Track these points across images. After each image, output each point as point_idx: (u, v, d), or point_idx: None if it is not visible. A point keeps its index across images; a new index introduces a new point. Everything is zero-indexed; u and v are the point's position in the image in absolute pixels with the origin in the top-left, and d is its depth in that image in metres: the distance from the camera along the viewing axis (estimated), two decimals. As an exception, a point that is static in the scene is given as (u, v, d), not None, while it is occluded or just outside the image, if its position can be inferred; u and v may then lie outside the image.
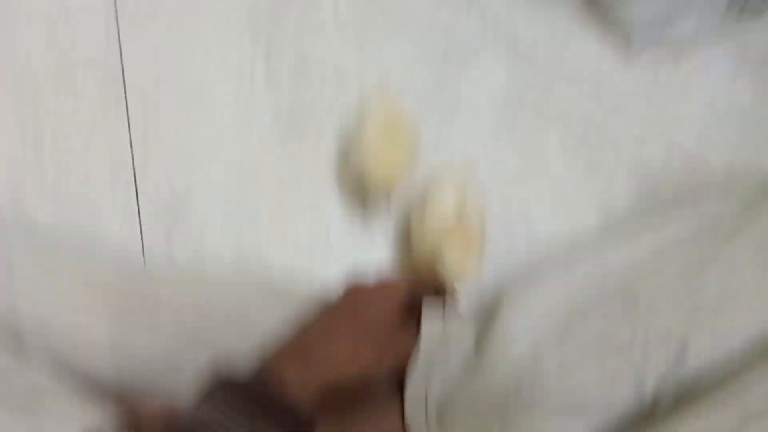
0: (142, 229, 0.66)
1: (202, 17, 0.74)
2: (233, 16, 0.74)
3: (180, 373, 0.49)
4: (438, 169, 0.66)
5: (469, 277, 0.61)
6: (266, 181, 0.69)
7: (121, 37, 0.72)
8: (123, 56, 0.72)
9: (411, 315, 0.52)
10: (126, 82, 0.71)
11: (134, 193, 0.67)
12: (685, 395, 0.46)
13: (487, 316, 0.56)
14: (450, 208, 0.61)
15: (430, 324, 0.54)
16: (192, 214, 0.67)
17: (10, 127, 0.68)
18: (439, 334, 0.53)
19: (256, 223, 0.68)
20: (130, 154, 0.68)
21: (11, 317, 0.47)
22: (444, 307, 0.55)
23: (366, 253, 0.67)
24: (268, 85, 0.72)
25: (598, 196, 0.71)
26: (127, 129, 0.69)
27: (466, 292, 0.61)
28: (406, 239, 0.65)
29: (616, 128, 0.74)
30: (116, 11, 0.73)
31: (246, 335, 0.54)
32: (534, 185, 0.72)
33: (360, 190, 0.67)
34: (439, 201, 0.61)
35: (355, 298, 0.50)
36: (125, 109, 0.70)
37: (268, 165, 0.70)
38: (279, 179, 0.69)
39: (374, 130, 0.63)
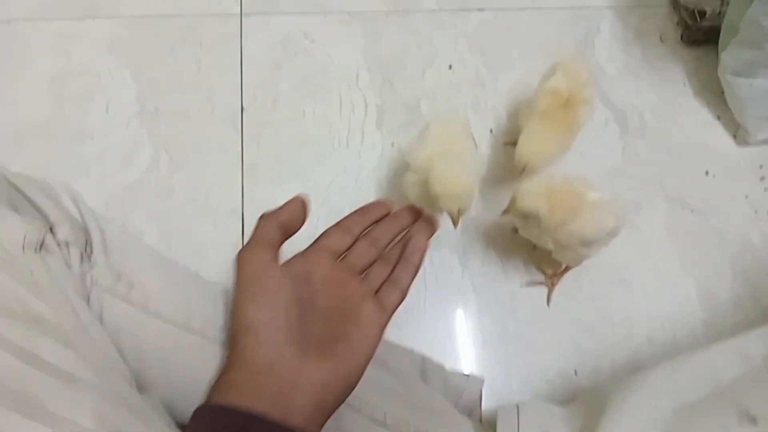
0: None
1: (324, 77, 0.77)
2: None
3: None
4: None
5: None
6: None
7: (243, 89, 0.75)
8: (243, 106, 0.74)
9: None
10: (244, 128, 0.73)
11: (241, 236, 0.68)
12: None
13: (588, 417, 0.54)
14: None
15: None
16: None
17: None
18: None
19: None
20: (241, 199, 0.69)
21: None
22: None
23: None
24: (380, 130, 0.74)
25: (700, 280, 0.70)
26: (240, 173, 0.70)
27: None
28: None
29: (724, 207, 0.73)
30: (242, 66, 0.76)
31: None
32: (633, 257, 0.71)
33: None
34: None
35: None
36: (240, 155, 0.71)
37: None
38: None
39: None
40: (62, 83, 0.74)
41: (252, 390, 0.41)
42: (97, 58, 0.75)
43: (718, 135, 0.77)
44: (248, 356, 0.42)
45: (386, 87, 0.76)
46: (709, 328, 0.69)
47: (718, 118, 0.77)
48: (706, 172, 0.75)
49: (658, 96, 0.78)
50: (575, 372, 0.66)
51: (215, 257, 0.66)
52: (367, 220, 0.55)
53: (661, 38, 0.81)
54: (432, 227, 0.56)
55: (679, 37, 0.80)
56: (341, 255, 0.54)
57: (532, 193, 0.57)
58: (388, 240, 0.55)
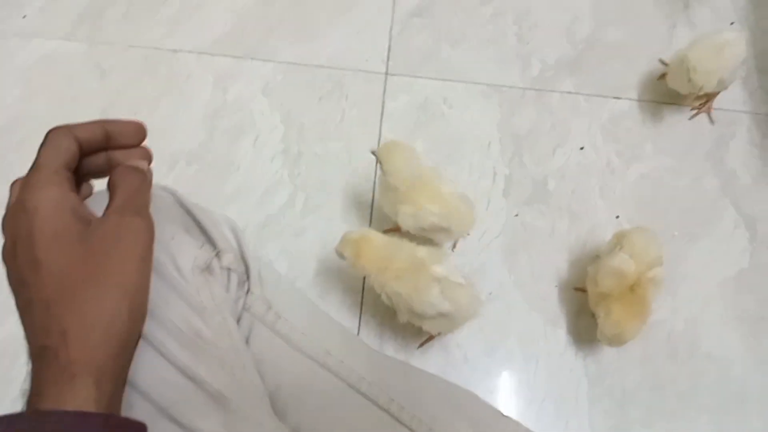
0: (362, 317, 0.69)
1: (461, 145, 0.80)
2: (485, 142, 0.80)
3: None
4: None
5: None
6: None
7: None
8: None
9: None
10: (377, 181, 0.76)
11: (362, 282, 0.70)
12: None
13: None
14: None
15: None
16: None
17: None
18: None
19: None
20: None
21: None
22: None
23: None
24: (506, 199, 0.76)
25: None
26: (368, 224, 0.73)
27: None
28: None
29: None
30: (381, 122, 0.80)
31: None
32: (753, 371, 0.68)
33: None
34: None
35: None
36: (370, 207, 0.74)
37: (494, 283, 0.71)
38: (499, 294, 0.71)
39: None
40: (217, 116, 0.80)
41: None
42: (252, 98, 0.81)
43: None
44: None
45: (516, 160, 0.78)
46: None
47: None
48: (839, 294, 0.72)
49: (792, 208, 0.76)
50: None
51: (337, 298, 0.69)
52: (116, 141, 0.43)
53: (800, 150, 0.80)
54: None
55: (820, 152, 0.79)
56: None
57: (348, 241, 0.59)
58: None
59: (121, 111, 0.80)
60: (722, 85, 0.77)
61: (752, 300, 0.71)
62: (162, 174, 0.76)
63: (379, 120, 0.80)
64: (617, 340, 0.62)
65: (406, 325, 0.68)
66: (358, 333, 0.67)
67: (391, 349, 0.67)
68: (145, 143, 0.44)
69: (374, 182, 0.76)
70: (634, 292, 0.61)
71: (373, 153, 0.64)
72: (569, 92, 0.83)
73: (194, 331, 0.47)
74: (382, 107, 0.81)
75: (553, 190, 0.76)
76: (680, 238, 0.74)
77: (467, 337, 0.68)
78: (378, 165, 0.63)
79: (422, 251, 0.59)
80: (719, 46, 0.75)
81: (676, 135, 0.80)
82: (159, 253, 0.50)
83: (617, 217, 0.75)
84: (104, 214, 0.38)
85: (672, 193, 0.77)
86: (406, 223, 0.64)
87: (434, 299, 0.57)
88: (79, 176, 0.41)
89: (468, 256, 0.72)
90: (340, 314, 0.68)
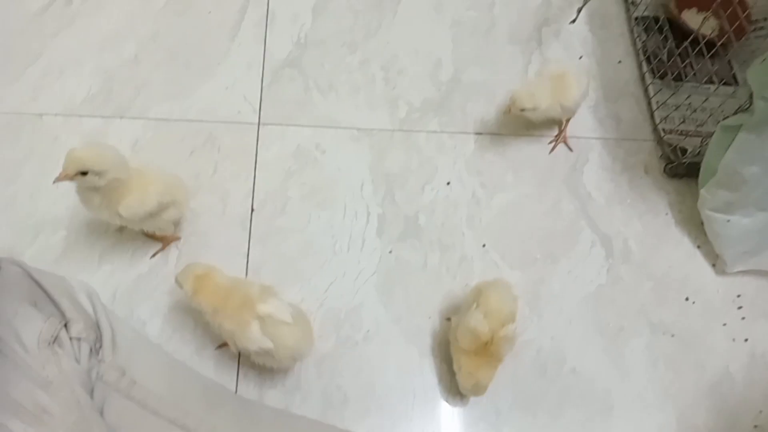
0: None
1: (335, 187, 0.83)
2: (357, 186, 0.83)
3: None
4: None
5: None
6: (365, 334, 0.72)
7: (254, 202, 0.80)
8: (254, 208, 0.79)
9: None
10: (252, 230, 0.77)
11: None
12: None
13: None
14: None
15: None
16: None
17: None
18: None
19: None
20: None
21: None
22: None
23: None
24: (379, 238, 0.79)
25: (680, 408, 0.72)
26: (245, 273, 0.74)
27: None
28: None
29: (703, 334, 0.76)
30: (255, 172, 0.82)
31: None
32: (616, 381, 0.73)
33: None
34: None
35: None
36: (246, 255, 0.75)
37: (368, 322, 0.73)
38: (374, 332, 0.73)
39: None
40: (85, 177, 0.79)
41: None
42: (121, 156, 0.81)
43: (698, 264, 0.81)
44: None
45: (388, 199, 0.81)
46: (687, 457, 0.70)
47: (699, 247, 0.82)
48: (687, 299, 0.78)
49: (642, 224, 0.83)
50: (557, 494, 0.66)
51: (215, 352, 0.69)
52: None
53: (645, 170, 0.87)
54: None
55: (663, 170, 0.87)
56: None
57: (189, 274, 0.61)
58: None
59: (-20, 180, 0.78)
60: (568, 113, 0.84)
61: (612, 313, 0.77)
62: (27, 242, 0.74)
63: (252, 169, 0.82)
64: (477, 390, 0.65)
65: (286, 371, 0.69)
66: (236, 385, 0.67)
67: (271, 397, 0.67)
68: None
69: (249, 232, 0.77)
70: (488, 348, 0.64)
71: (67, 176, 0.59)
72: (434, 131, 0.87)
73: (40, 407, 0.46)
74: (256, 157, 0.83)
75: (423, 225, 0.80)
76: (542, 260, 0.79)
77: (347, 379, 0.70)
78: (88, 177, 0.60)
79: (255, 289, 0.61)
80: (557, 77, 0.82)
81: (536, 164, 0.86)
82: (2, 331, 0.49)
83: (484, 245, 0.79)
84: None
85: (533, 219, 0.82)
86: (132, 212, 0.64)
87: (254, 336, 0.59)
88: None
89: (344, 298, 0.74)
90: (218, 368, 0.68)
